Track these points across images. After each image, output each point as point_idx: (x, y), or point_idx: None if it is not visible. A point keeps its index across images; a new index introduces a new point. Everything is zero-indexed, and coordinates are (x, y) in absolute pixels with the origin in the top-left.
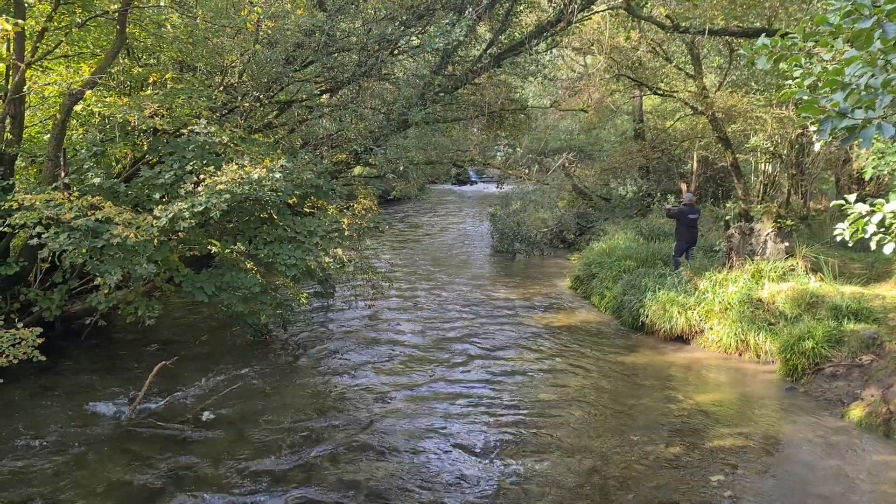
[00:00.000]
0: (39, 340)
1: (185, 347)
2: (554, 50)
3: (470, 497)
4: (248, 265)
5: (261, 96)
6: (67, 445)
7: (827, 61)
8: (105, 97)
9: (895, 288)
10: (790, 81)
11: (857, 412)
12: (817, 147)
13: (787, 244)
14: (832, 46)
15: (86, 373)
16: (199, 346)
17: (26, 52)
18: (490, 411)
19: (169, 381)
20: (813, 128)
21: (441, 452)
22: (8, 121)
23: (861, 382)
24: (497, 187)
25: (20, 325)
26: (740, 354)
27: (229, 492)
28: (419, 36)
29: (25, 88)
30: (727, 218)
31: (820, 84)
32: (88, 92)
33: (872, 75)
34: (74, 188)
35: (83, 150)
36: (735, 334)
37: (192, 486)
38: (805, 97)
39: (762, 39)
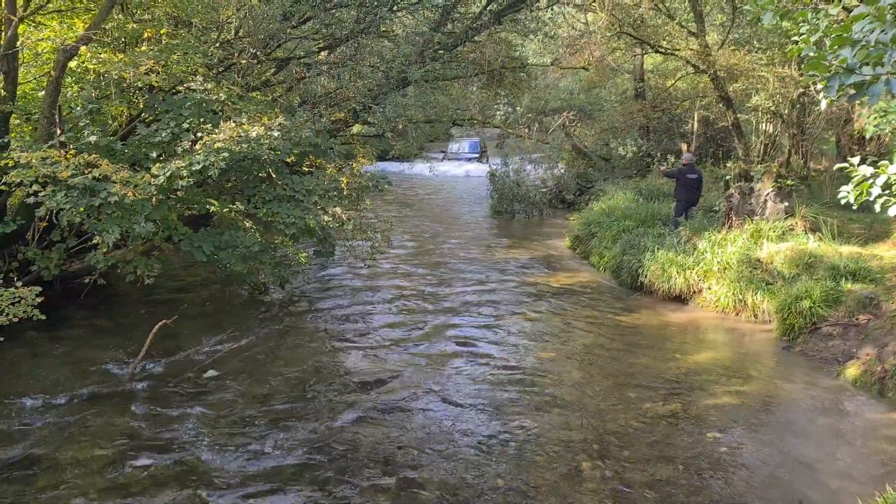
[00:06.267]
0: (39, 299)
1: (185, 306)
2: (555, 6)
3: (468, 453)
4: (247, 224)
5: (258, 53)
6: (68, 404)
7: (833, 16)
8: (100, 54)
9: (893, 248)
10: (796, 38)
11: (852, 371)
12: (823, 105)
13: (786, 204)
14: (839, 1)
15: (86, 332)
16: (199, 304)
17: (19, 6)
18: (489, 369)
19: (169, 340)
20: (819, 85)
21: (439, 409)
22: (1, 77)
23: (857, 342)
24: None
25: (19, 283)
26: (738, 314)
27: (231, 450)
28: None
29: (18, 44)
30: (727, 178)
31: (827, 41)
32: (83, 48)
33: (882, 31)
34: (71, 146)
35: (79, 108)
36: (733, 294)
37: (194, 445)
38: (812, 53)
39: None
